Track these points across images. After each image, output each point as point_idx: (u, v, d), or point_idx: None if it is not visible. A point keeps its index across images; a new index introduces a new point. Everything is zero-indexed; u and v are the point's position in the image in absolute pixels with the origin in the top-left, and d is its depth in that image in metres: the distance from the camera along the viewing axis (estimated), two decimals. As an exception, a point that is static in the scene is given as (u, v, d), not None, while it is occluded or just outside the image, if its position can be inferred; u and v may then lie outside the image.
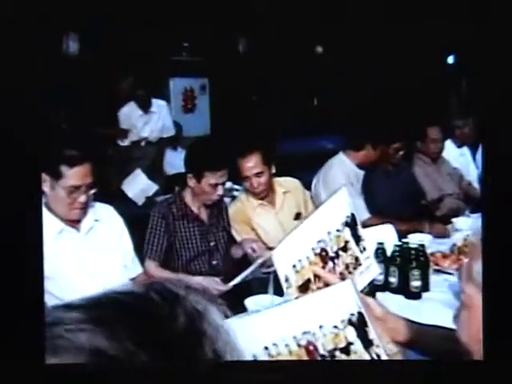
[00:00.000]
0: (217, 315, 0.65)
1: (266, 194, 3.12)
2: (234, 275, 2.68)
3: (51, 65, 5.20)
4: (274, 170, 3.11)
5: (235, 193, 4.06)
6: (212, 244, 2.93)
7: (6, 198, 1.11)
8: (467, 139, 4.92)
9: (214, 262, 2.92)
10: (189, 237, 2.87)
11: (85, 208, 2.34)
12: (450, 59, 8.47)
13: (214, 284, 2.67)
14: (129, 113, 5.70)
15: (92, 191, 2.32)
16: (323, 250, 1.46)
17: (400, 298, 2.57)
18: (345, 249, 1.50)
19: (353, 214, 1.53)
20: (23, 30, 1.15)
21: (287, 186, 3.24)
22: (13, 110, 1.15)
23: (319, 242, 1.46)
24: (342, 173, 3.58)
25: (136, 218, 3.10)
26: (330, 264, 1.47)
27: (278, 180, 3.21)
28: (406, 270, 2.56)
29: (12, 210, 1.10)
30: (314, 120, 8.06)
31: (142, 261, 2.67)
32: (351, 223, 1.52)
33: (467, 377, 1.10)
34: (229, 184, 4.35)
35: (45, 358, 0.85)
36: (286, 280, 1.42)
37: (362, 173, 3.69)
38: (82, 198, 2.28)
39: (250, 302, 2.35)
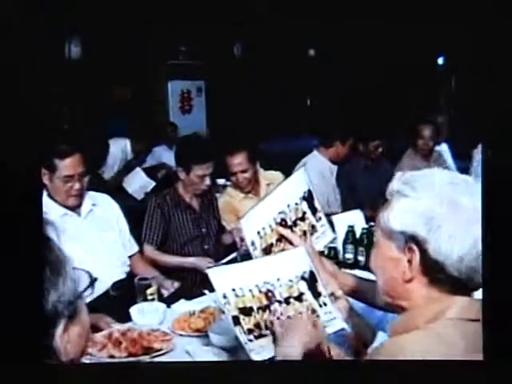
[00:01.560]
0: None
1: (252, 188, 3.47)
2: (223, 257, 3.03)
3: (54, 68, 5.54)
4: (258, 167, 3.47)
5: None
6: (203, 230, 3.27)
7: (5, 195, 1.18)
8: (444, 136, 5.25)
9: (206, 246, 3.26)
10: (182, 223, 3.21)
11: (81, 194, 2.69)
12: (440, 60, 8.77)
13: (206, 263, 3.02)
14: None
15: (85, 179, 2.68)
16: (283, 219, 1.80)
17: (367, 274, 2.91)
18: (303, 218, 1.84)
19: (309, 190, 1.86)
20: (30, 35, 1.25)
21: (270, 178, 3.58)
22: (13, 111, 1.24)
23: (280, 213, 1.80)
24: (315, 168, 3.97)
25: (135, 209, 3.49)
26: (289, 231, 1.81)
27: (262, 173, 3.57)
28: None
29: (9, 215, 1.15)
30: (305, 119, 8.39)
31: (138, 242, 3.01)
32: (308, 197, 1.86)
33: (467, 377, 1.17)
34: (222, 181, 4.69)
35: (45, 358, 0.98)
36: (252, 244, 1.77)
37: (335, 167, 4.10)
38: (77, 186, 2.64)
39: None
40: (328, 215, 2.10)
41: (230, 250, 3.18)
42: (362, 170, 4.23)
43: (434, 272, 1.20)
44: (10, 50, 1.24)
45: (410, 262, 1.22)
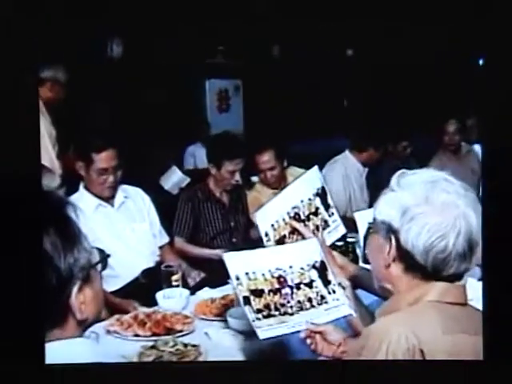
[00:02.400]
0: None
1: (279, 184, 3.60)
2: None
3: (95, 67, 5.74)
4: (285, 164, 3.60)
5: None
6: (232, 224, 3.42)
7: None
8: (475, 137, 5.26)
9: (234, 240, 3.41)
10: (212, 217, 3.36)
11: (114, 187, 2.87)
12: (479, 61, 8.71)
13: None
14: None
15: (119, 172, 2.85)
16: (296, 213, 1.93)
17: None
18: (315, 213, 1.96)
19: (323, 187, 1.98)
20: (74, 37, 1.41)
21: (297, 175, 3.69)
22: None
23: (293, 207, 1.93)
24: (343, 167, 4.05)
25: (167, 202, 3.66)
26: (302, 224, 1.93)
27: (290, 170, 3.69)
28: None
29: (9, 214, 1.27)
30: (341, 121, 8.43)
31: (168, 233, 3.16)
32: (321, 194, 1.98)
33: (467, 377, 1.24)
34: (256, 178, 4.83)
35: (45, 358, 1.01)
36: (266, 235, 1.90)
37: (365, 169, 4.15)
38: (111, 178, 2.82)
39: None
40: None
41: (257, 244, 3.30)
42: (390, 171, 4.29)
43: (407, 259, 1.34)
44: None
45: (389, 249, 1.37)
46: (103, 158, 2.78)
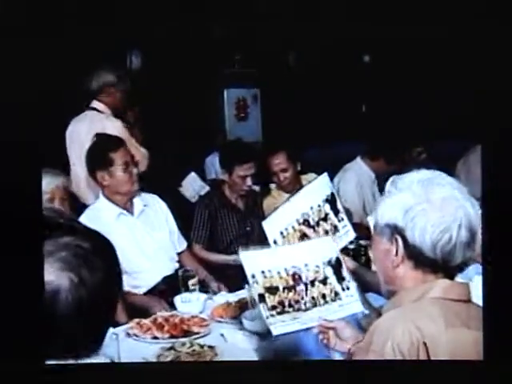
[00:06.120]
0: None
1: (293, 188, 3.64)
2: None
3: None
4: (299, 167, 3.66)
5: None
6: (248, 229, 3.48)
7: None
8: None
9: (250, 245, 3.45)
10: (228, 223, 3.43)
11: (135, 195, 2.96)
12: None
13: None
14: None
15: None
16: (306, 220, 1.98)
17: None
18: (325, 219, 2.02)
19: (332, 194, 2.04)
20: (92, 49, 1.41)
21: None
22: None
23: (303, 214, 1.98)
24: (356, 175, 4.07)
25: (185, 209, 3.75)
26: (312, 230, 1.99)
27: (304, 176, 3.74)
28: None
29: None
30: (358, 126, 8.44)
31: (186, 239, 3.23)
32: (331, 200, 2.03)
33: (467, 377, 1.23)
34: (274, 185, 4.88)
35: (45, 358, 0.94)
36: (275, 242, 1.96)
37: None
38: (135, 171, 2.89)
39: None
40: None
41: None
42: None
43: (416, 256, 1.40)
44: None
45: (397, 250, 1.42)
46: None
